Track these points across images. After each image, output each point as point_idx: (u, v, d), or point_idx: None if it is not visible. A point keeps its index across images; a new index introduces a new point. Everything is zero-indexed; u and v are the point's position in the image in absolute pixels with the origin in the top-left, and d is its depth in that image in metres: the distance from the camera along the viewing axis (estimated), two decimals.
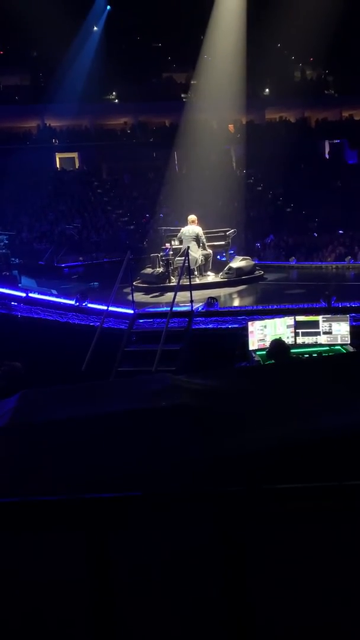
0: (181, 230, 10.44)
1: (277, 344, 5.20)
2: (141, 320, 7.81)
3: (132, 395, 2.11)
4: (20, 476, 1.69)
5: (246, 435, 1.76)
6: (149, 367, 6.52)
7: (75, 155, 25.36)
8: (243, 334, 6.70)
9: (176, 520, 1.43)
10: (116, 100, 25.92)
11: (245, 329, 6.67)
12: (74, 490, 1.57)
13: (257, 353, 6.52)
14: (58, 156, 24.86)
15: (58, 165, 24.64)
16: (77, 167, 25.11)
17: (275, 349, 5.07)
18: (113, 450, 1.75)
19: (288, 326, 6.71)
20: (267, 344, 6.59)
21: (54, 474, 1.68)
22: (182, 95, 25.04)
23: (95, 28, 23.05)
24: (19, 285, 10.15)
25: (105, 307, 7.66)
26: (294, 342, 6.65)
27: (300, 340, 6.66)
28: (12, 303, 8.64)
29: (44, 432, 1.86)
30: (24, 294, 8.87)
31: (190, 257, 9.11)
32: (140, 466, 1.66)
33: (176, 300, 7.63)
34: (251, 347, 6.55)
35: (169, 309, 7.40)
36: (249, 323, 6.70)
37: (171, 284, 9.74)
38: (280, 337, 5.92)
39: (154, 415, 1.89)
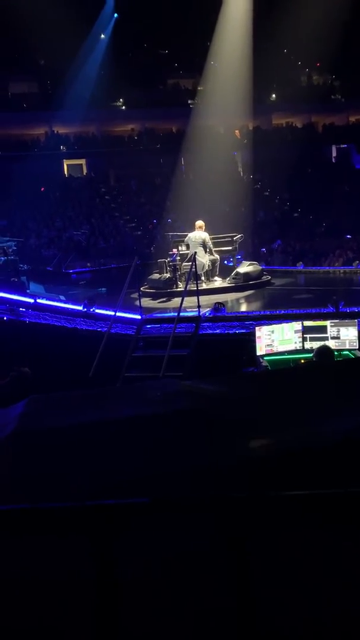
0: (188, 236, 10.46)
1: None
2: (148, 326, 7.82)
3: (139, 401, 2.11)
4: (28, 482, 1.69)
5: (253, 441, 1.76)
6: (157, 373, 6.53)
7: (82, 162, 25.50)
8: (250, 340, 6.69)
9: (182, 526, 1.43)
10: (123, 107, 26.05)
11: (253, 334, 6.66)
12: (82, 496, 1.57)
13: (265, 358, 6.51)
14: (66, 163, 25.00)
15: (66, 172, 24.79)
16: (84, 173, 25.25)
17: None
18: (121, 455, 1.76)
19: (296, 331, 6.70)
20: (275, 349, 6.59)
21: (62, 479, 1.68)
22: (189, 102, 25.13)
23: (102, 35, 23.23)
24: (27, 291, 10.20)
25: (112, 313, 7.68)
26: (301, 347, 6.64)
27: (308, 345, 6.65)
28: (21, 309, 8.69)
29: (52, 437, 1.87)
30: (32, 300, 8.91)
31: (197, 263, 9.12)
32: (148, 472, 1.66)
33: (183, 305, 7.63)
34: (258, 352, 6.54)
35: (176, 314, 7.40)
36: (257, 328, 6.69)
37: (178, 289, 9.75)
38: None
39: (162, 420, 1.90)
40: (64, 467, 1.73)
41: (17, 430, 1.86)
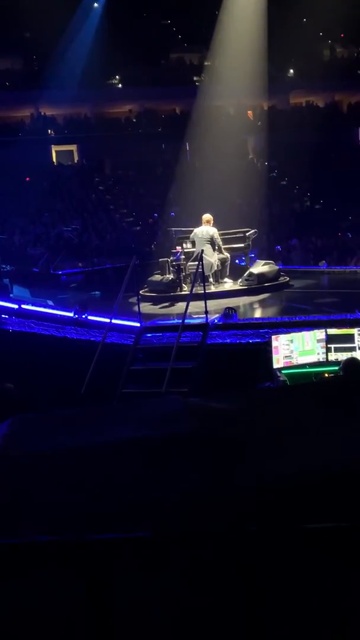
0: (194, 232, 10.49)
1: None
2: (149, 335, 7.83)
3: (138, 421, 2.11)
4: (10, 513, 1.69)
5: (267, 467, 1.75)
6: (158, 389, 6.53)
7: (73, 147, 25.67)
8: (266, 350, 6.69)
9: (186, 561, 1.43)
10: (120, 86, 26.24)
11: (269, 344, 6.66)
12: (72, 529, 1.57)
13: (283, 372, 6.49)
14: (54, 149, 25.18)
15: (54, 160, 24.94)
16: (75, 161, 25.41)
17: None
18: (116, 483, 1.75)
19: (318, 340, 6.68)
20: (294, 361, 6.58)
21: (49, 510, 1.68)
22: (195, 79, 25.29)
23: (95, 4, 23.44)
24: (11, 295, 10.24)
25: (108, 320, 7.69)
26: (325, 359, 6.62)
27: (332, 356, 6.63)
28: (3, 316, 8.72)
29: (38, 462, 1.87)
30: (16, 306, 8.93)
31: (204, 262, 9.13)
32: (147, 501, 1.66)
33: (189, 311, 7.64)
34: (275, 365, 6.53)
35: (180, 321, 7.41)
36: (273, 337, 6.69)
37: (183, 292, 9.77)
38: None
39: (163, 444, 1.89)
40: (49, 495, 1.73)
41: (0, 452, 1.86)
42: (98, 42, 22.33)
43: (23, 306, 8.92)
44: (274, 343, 6.59)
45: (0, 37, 23.10)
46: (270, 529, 1.45)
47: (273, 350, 6.56)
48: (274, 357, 6.54)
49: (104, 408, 2.94)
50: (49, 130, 24.43)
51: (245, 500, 1.59)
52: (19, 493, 1.76)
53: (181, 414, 2.06)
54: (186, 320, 7.46)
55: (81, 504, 1.69)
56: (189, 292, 8.39)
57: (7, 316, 8.71)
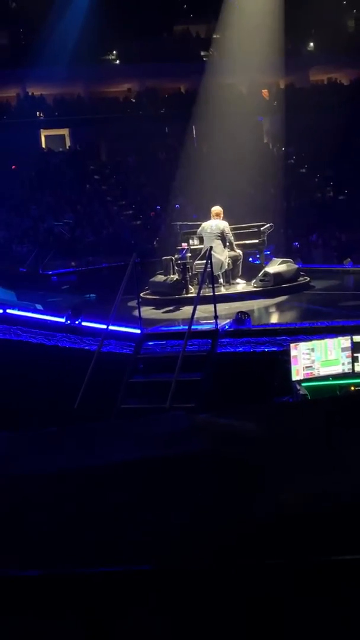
0: (202, 226, 10.50)
1: None
2: (151, 343, 7.83)
3: (139, 441, 2.11)
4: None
5: (288, 493, 1.74)
6: (162, 404, 6.53)
7: (65, 132, 25.79)
8: (284, 360, 6.68)
9: (196, 602, 1.43)
10: (117, 62, 26.37)
11: (287, 353, 6.66)
12: (63, 562, 1.58)
13: (303, 385, 6.49)
14: (43, 133, 25.30)
15: (44, 145, 25.06)
16: (67, 147, 25.52)
17: None
18: (112, 511, 1.75)
19: (343, 349, 6.68)
20: (316, 373, 6.57)
21: (32, 540, 1.68)
22: (202, 53, 25.39)
23: None
24: None
25: (104, 326, 7.70)
26: (351, 370, 6.61)
27: (359, 367, 6.62)
28: None
29: (22, 487, 1.86)
30: (0, 310, 8.96)
31: (213, 260, 9.14)
32: (150, 530, 1.65)
33: (196, 316, 7.64)
34: (295, 376, 6.53)
35: (186, 327, 7.41)
36: (292, 345, 6.69)
37: (189, 295, 9.78)
38: None
39: (168, 466, 1.89)
40: (37, 524, 1.73)
41: None
42: (93, 12, 22.45)
43: (8, 311, 8.94)
44: (293, 352, 6.58)
45: None
46: (293, 561, 1.44)
47: (291, 360, 6.56)
48: (293, 367, 6.54)
49: (100, 425, 2.94)
50: (38, 113, 24.55)
51: (263, 529, 1.58)
52: (3, 522, 1.76)
53: (188, 432, 2.05)
54: (193, 327, 7.46)
55: (73, 532, 1.69)
56: (196, 295, 8.39)
57: None
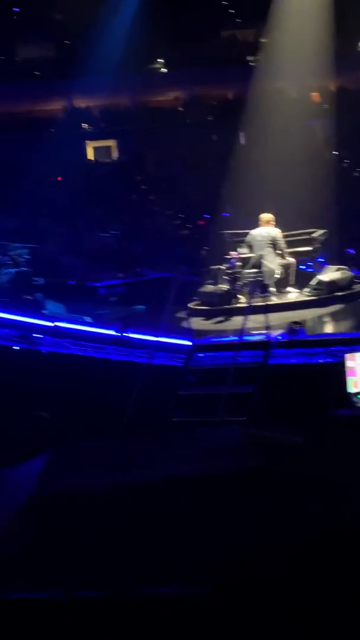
0: (251, 234, 10.48)
1: None
2: (201, 355, 7.84)
3: (191, 455, 2.11)
4: (44, 561, 1.71)
5: (343, 510, 1.72)
6: (213, 417, 6.52)
7: (112, 143, 26.10)
8: (339, 371, 6.60)
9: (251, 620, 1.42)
10: (163, 70, 26.58)
11: (343, 364, 6.57)
12: (116, 582, 1.58)
13: None
14: (90, 145, 25.66)
15: (91, 157, 25.42)
16: (114, 158, 25.82)
17: None
18: (167, 526, 1.75)
19: None
20: None
21: (92, 556, 1.69)
22: (250, 59, 25.38)
23: None
24: (44, 311, 10.43)
25: (154, 338, 7.74)
26: None
27: None
28: (36, 335, 8.88)
29: (78, 501, 1.89)
30: (50, 323, 9.09)
31: (264, 269, 9.13)
32: (204, 549, 1.65)
33: (247, 326, 7.62)
34: (351, 388, 6.44)
35: (237, 338, 7.40)
36: (348, 356, 6.61)
37: (240, 305, 9.75)
38: None
39: (222, 481, 1.88)
40: (94, 540, 1.75)
41: (36, 493, 1.89)
42: (138, 21, 22.71)
43: (58, 324, 9.07)
44: (349, 363, 6.51)
45: (30, 22, 23.75)
46: (345, 578, 1.43)
47: (347, 371, 6.48)
48: (349, 379, 6.46)
49: (151, 440, 2.96)
50: (84, 125, 24.91)
51: (320, 545, 1.57)
52: (54, 539, 1.78)
53: (242, 446, 2.05)
54: (244, 338, 7.44)
55: (127, 548, 1.70)
56: (246, 305, 8.37)
57: (40, 336, 8.87)
